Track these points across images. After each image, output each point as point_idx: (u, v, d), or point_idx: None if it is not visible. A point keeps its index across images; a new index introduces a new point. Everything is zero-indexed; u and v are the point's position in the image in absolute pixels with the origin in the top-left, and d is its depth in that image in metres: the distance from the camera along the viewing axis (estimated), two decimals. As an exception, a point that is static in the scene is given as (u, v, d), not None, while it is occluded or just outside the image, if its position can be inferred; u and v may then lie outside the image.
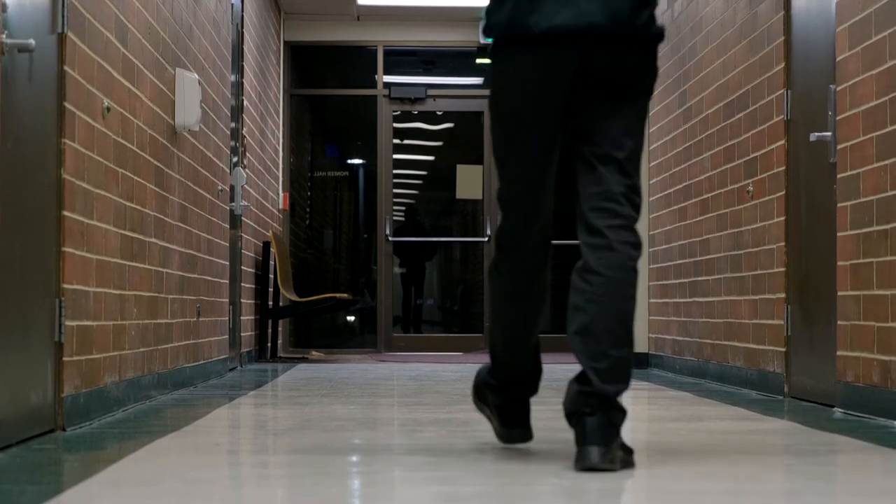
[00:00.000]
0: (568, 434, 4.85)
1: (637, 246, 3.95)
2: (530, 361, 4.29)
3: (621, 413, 3.82)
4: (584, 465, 3.73)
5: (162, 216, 6.72)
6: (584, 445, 3.75)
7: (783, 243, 7.05)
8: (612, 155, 3.98)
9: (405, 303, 14.51)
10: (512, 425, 4.32)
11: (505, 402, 4.32)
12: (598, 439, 3.74)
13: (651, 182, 10.47)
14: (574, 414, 3.82)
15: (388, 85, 14.34)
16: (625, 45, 3.96)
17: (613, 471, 3.74)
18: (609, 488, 3.37)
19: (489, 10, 4.07)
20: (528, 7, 3.98)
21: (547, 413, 5.82)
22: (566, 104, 4.01)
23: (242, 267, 10.37)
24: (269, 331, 11.81)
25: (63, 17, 4.88)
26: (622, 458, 3.84)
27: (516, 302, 4.21)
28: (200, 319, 7.99)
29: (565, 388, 6.86)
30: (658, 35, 4.02)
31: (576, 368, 10.24)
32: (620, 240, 3.93)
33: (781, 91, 7.08)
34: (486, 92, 14.37)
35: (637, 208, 3.99)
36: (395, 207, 14.46)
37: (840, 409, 6.07)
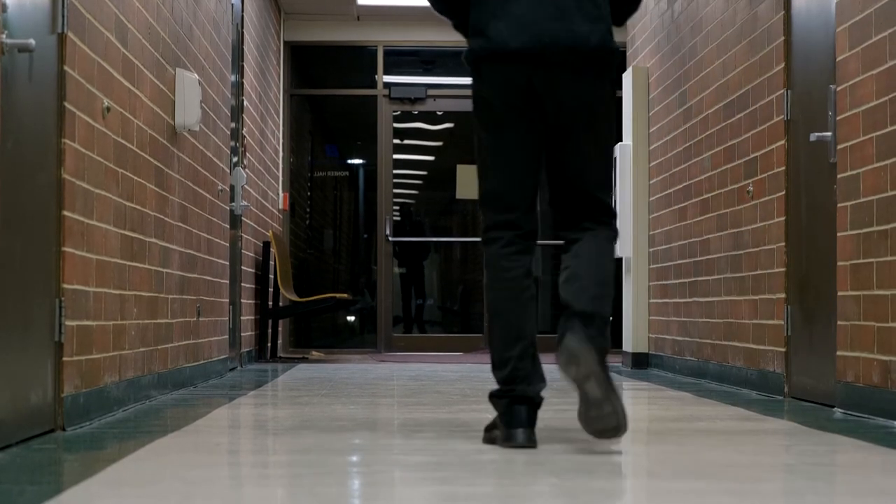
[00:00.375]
0: (568, 435, 4.85)
1: (615, 236, 4.48)
2: (529, 359, 4.41)
3: (606, 332, 4.22)
4: (563, 347, 4.14)
5: (162, 216, 6.72)
6: (564, 338, 4.15)
7: (783, 243, 7.05)
8: (581, 187, 4.46)
9: (405, 303, 14.51)
10: (514, 426, 4.35)
11: (508, 404, 4.39)
12: (580, 332, 4.15)
13: (651, 182, 10.47)
14: (562, 335, 4.18)
15: (388, 85, 14.34)
16: (586, 63, 4.40)
17: (588, 363, 4.12)
18: (609, 488, 3.38)
19: (472, 28, 4.53)
20: (506, 25, 4.40)
21: (547, 413, 5.82)
22: (541, 118, 4.45)
23: (242, 267, 10.38)
24: (269, 331, 11.81)
25: (63, 17, 4.89)
26: (614, 405, 4.11)
27: (505, 291, 4.44)
28: (200, 319, 7.99)
29: (565, 389, 6.86)
30: (617, 54, 4.43)
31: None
32: (600, 231, 4.46)
33: (781, 91, 7.08)
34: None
35: (613, 216, 4.49)
36: (395, 208, 14.46)
37: (840, 410, 6.07)
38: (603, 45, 4.39)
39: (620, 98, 11.11)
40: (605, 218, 4.46)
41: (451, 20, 4.65)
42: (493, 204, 4.48)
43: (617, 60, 4.44)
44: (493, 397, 4.45)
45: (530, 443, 4.34)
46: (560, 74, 4.38)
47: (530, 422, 4.36)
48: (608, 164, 4.46)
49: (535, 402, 4.39)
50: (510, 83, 4.41)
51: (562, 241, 4.50)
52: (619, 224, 10.68)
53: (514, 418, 4.35)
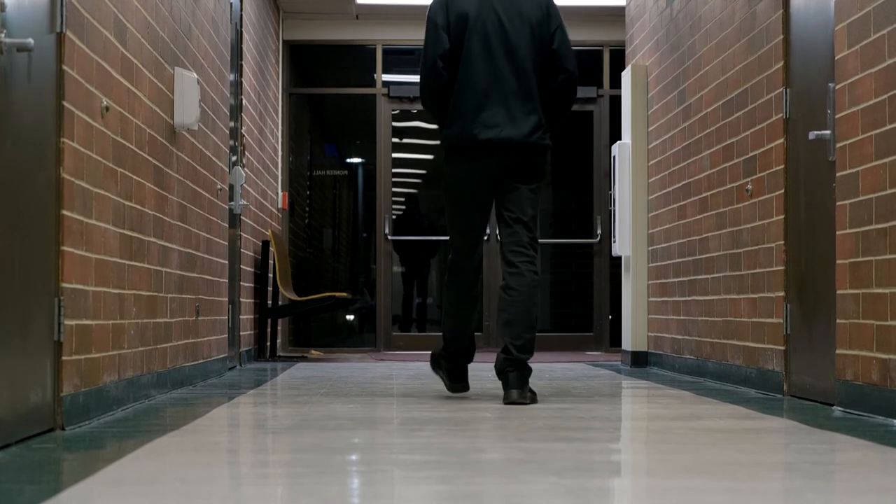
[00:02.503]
0: (567, 434, 4.86)
1: (537, 273, 6.50)
2: (467, 342, 6.83)
3: (529, 370, 6.37)
4: (508, 400, 6.30)
5: (161, 215, 6.72)
6: (508, 389, 6.33)
7: (782, 242, 7.05)
8: (521, 218, 6.53)
9: (406, 301, 14.50)
10: (456, 381, 6.91)
11: (452, 367, 6.90)
12: (517, 385, 6.32)
13: (650, 180, 10.47)
14: (502, 371, 6.36)
15: (387, 84, 14.34)
16: (526, 153, 6.51)
17: (525, 404, 6.27)
18: (608, 487, 3.38)
19: (445, 128, 6.58)
20: (474, 125, 6.48)
21: (546, 412, 5.83)
22: (494, 187, 6.57)
23: (241, 266, 10.38)
24: (269, 330, 11.81)
25: (62, 16, 4.89)
26: (531, 398, 6.37)
27: (460, 304, 6.76)
28: (199, 318, 7.99)
29: (565, 390, 6.93)
30: (548, 146, 6.56)
31: (574, 367, 10.32)
32: (527, 269, 6.46)
33: (780, 89, 7.08)
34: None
35: (537, 250, 6.57)
36: (395, 207, 14.45)
37: (839, 408, 6.07)
38: (540, 142, 6.53)
39: (618, 97, 11.06)
40: (532, 251, 6.53)
41: (435, 117, 6.66)
42: (456, 248, 6.67)
43: (548, 151, 6.58)
44: (441, 357, 6.91)
45: (465, 389, 6.90)
46: (512, 159, 6.50)
47: (465, 377, 6.91)
48: (537, 220, 6.60)
49: (467, 364, 6.89)
50: (477, 166, 6.52)
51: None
52: (616, 224, 10.69)
53: (457, 375, 6.90)
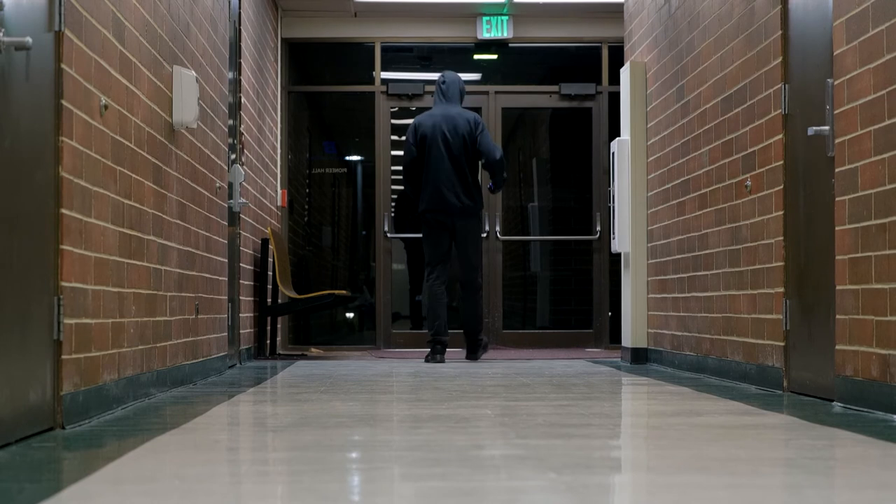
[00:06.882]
0: (567, 431, 4.87)
1: (480, 287, 10.99)
2: (443, 325, 10.71)
3: (479, 337, 10.99)
4: (470, 358, 10.90)
5: (160, 214, 6.72)
6: (469, 353, 11.01)
7: (781, 237, 7.05)
8: (469, 258, 10.92)
9: (411, 296, 14.47)
10: (435, 353, 10.69)
11: (434, 343, 10.72)
12: (473, 352, 11.05)
13: (649, 177, 10.47)
14: (468, 343, 11.02)
15: (385, 81, 14.34)
16: (465, 213, 10.85)
17: (476, 360, 10.89)
18: (608, 483, 3.38)
19: (418, 201, 10.95)
20: (433, 199, 10.83)
21: (546, 409, 5.83)
22: (449, 231, 10.88)
23: (241, 264, 10.38)
24: (268, 328, 11.81)
25: (60, 14, 4.88)
26: (483, 356, 11.30)
27: (435, 299, 10.74)
28: (199, 317, 7.99)
29: (564, 385, 6.89)
30: (481, 207, 10.95)
31: (574, 364, 10.33)
32: (474, 287, 10.95)
33: (779, 85, 7.08)
34: (485, 88, 14.39)
35: (480, 276, 10.94)
36: (393, 197, 14.45)
37: (839, 404, 6.08)
38: (474, 206, 10.89)
39: (617, 94, 11.00)
40: (476, 276, 10.91)
41: (412, 195, 11.03)
42: (430, 266, 10.86)
43: (480, 212, 10.95)
44: (428, 341, 10.73)
45: (442, 360, 10.66)
46: (455, 218, 10.87)
47: (443, 352, 10.73)
48: (479, 252, 10.94)
49: (445, 343, 10.75)
50: (436, 221, 10.88)
51: (454, 280, 11.77)
52: (615, 221, 10.70)
53: (436, 351, 10.67)
